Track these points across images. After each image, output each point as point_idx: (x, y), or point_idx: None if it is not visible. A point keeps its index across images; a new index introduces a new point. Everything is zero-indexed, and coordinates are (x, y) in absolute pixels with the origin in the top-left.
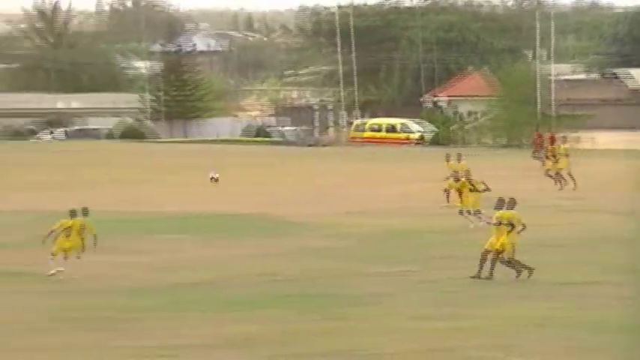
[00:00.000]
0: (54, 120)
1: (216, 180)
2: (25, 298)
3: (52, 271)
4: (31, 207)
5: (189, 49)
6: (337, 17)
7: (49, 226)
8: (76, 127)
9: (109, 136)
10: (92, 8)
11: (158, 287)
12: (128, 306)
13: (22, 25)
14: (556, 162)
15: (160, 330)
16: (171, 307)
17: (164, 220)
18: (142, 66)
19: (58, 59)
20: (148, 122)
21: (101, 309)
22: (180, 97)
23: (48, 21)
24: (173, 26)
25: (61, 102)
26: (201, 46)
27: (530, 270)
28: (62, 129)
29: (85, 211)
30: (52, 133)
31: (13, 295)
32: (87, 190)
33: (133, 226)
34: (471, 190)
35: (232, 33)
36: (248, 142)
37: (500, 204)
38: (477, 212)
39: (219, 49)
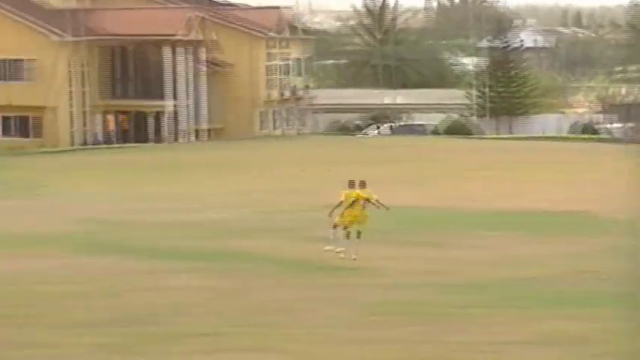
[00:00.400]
0: (379, 115)
1: None
2: (345, 291)
3: (329, 247)
4: None
5: (516, 45)
6: None
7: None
8: (402, 123)
9: (435, 132)
10: (419, 5)
11: (479, 284)
12: (449, 301)
13: (351, 22)
14: None
15: (481, 326)
16: (493, 303)
17: (484, 217)
18: (468, 62)
19: (385, 55)
20: (474, 118)
21: (427, 304)
22: (507, 93)
23: (376, 18)
24: (501, 22)
25: (387, 98)
26: (528, 42)
27: None
28: (388, 124)
29: (363, 184)
30: (377, 128)
31: (332, 288)
32: (415, 185)
33: (455, 222)
34: None
35: (560, 29)
36: (574, 139)
37: None
38: None
39: (547, 45)
